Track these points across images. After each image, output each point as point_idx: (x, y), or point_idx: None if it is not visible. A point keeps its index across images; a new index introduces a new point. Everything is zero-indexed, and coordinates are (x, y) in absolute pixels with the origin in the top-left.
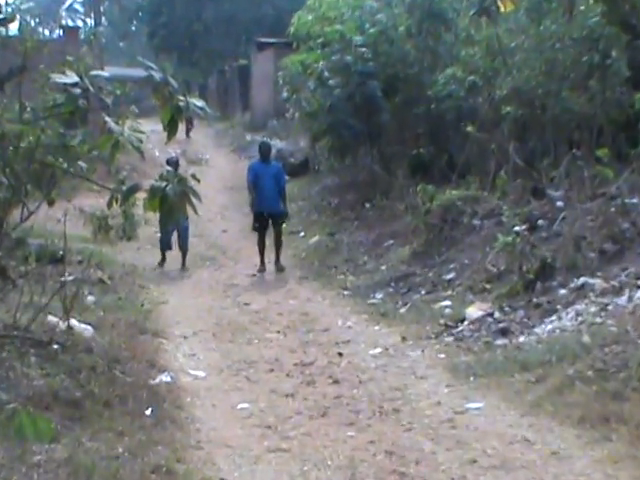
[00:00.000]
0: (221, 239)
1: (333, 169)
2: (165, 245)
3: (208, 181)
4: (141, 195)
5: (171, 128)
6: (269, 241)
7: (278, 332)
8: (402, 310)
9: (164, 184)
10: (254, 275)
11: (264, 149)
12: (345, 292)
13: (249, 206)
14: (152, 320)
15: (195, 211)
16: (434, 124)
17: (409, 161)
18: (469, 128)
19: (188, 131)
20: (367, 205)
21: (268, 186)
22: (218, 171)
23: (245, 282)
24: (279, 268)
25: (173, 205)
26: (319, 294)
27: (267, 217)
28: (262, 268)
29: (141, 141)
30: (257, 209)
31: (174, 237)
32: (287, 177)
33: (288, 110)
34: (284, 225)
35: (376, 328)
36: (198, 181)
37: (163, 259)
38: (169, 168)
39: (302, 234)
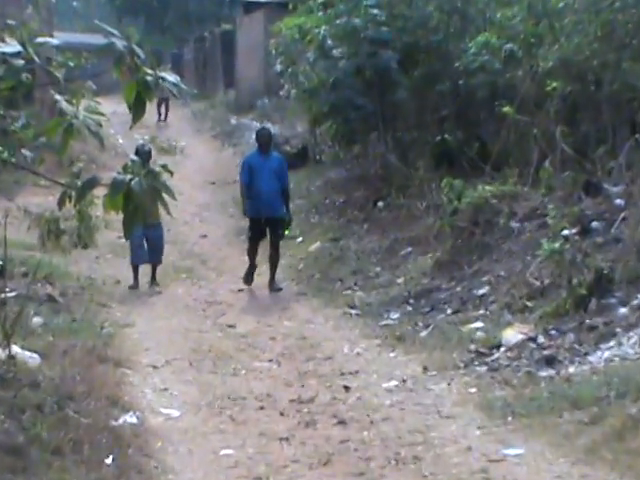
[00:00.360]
0: (200, 246)
1: (338, 160)
2: (138, 257)
3: (184, 174)
4: (100, 192)
5: (137, 109)
6: (262, 251)
7: (270, 361)
8: (423, 333)
9: (129, 177)
10: (241, 290)
11: (263, 137)
12: (352, 311)
13: (242, 212)
14: (114, 346)
15: (168, 211)
16: (462, 104)
17: (432, 150)
18: (506, 109)
19: (161, 114)
20: (380, 204)
21: (267, 184)
22: (196, 162)
23: (230, 299)
24: (274, 288)
25: (140, 204)
26: (320, 314)
27: (265, 223)
28: (250, 279)
29: (100, 125)
30: (253, 213)
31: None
32: None
33: (282, 87)
34: (287, 232)
35: (391, 355)
36: (171, 174)
37: (135, 278)
38: (137, 159)
39: (300, 240)
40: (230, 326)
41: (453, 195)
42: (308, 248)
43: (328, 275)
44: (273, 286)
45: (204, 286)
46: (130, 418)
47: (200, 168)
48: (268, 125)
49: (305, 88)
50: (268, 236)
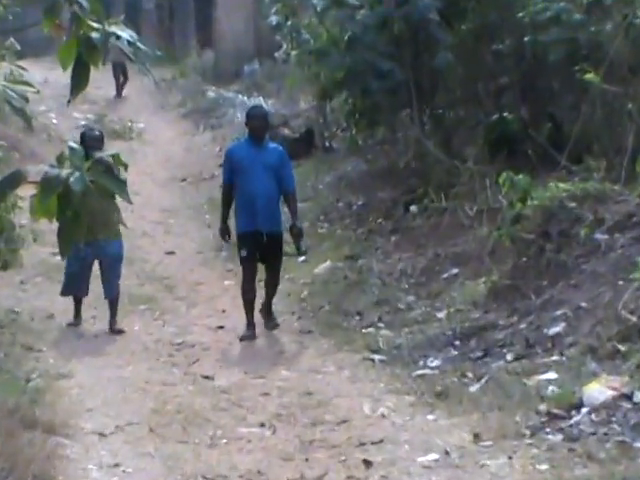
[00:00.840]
0: (165, 267)
1: (355, 147)
2: (75, 285)
3: (143, 167)
4: (27, 191)
5: (77, 77)
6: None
7: (262, 425)
8: (474, 388)
9: (65, 172)
10: (220, 327)
11: (255, 120)
12: (376, 357)
13: (220, 230)
14: (45, 406)
15: (120, 220)
16: (528, 70)
17: (485, 133)
18: (589, 76)
19: (120, 86)
20: (413, 208)
21: (262, 185)
22: (160, 150)
23: (205, 340)
24: (269, 324)
25: (81, 208)
26: (331, 360)
27: (262, 239)
28: (251, 332)
29: (26, 99)
30: (245, 226)
31: (94, 270)
32: None
33: (279, 47)
34: (300, 252)
35: (429, 418)
36: (125, 167)
37: (77, 312)
38: (78, 147)
39: (303, 258)
40: (206, 377)
41: (515, 196)
42: (314, 269)
43: (342, 306)
44: (268, 321)
45: (170, 322)
46: None
47: (165, 159)
48: (260, 102)
49: (310, 48)
50: (263, 257)
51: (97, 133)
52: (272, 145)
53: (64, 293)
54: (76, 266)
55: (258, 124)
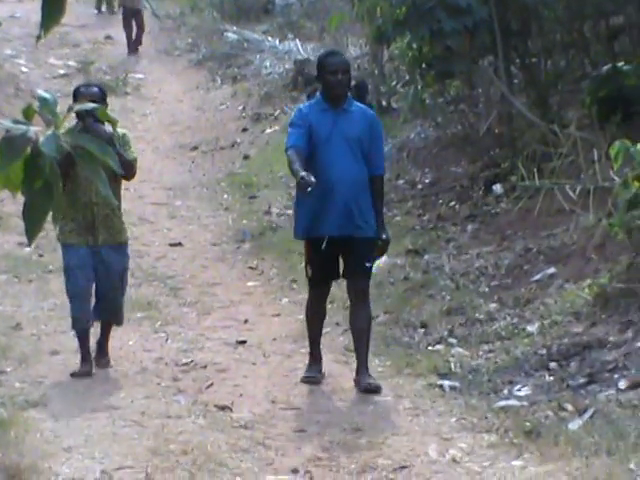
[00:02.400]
0: (169, 262)
1: (421, 107)
2: (84, 313)
3: (142, 130)
4: None
5: (50, 5)
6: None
7: (295, 472)
8: (575, 424)
9: (34, 130)
10: (241, 343)
11: (335, 71)
12: (446, 383)
13: (298, 177)
14: (9, 444)
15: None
16: None
17: (593, 90)
18: None
19: (136, 39)
20: (497, 188)
21: (343, 166)
22: (163, 109)
23: (221, 358)
24: (366, 383)
25: (53, 178)
26: (387, 386)
27: (339, 248)
28: (315, 371)
29: None
30: (313, 230)
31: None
32: None
33: None
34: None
35: (516, 464)
36: (113, 124)
37: (85, 355)
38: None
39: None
40: (222, 408)
41: (632, 173)
42: None
43: (401, 316)
44: (362, 379)
45: (176, 335)
46: None
47: (170, 121)
48: (337, 50)
49: None
50: (343, 273)
51: (95, 90)
52: (357, 107)
53: (77, 325)
54: (82, 282)
55: (337, 79)
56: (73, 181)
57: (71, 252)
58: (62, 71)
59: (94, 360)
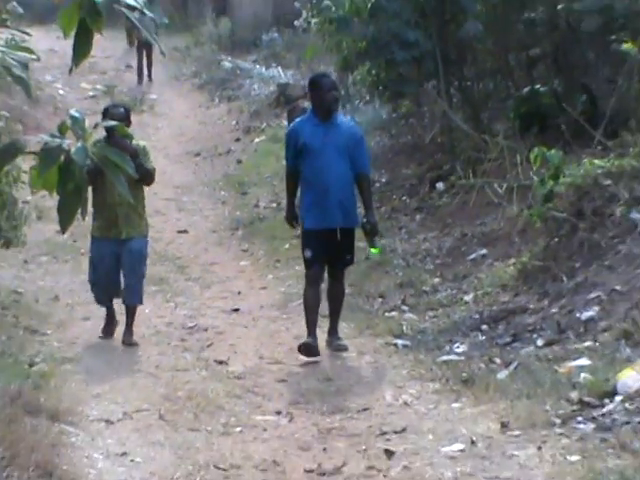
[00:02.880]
0: (177, 246)
1: (378, 121)
2: (103, 290)
3: (155, 141)
4: (29, 164)
5: (80, 44)
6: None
7: (278, 413)
8: (502, 374)
9: (67, 142)
10: (236, 310)
11: (325, 90)
12: (399, 342)
13: (286, 219)
14: (49, 392)
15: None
16: (562, 40)
17: (516, 107)
18: (627, 46)
19: (146, 69)
20: (439, 185)
21: (335, 174)
22: (172, 123)
23: (220, 324)
24: (334, 343)
25: (82, 181)
26: (352, 345)
27: (334, 237)
28: (312, 342)
29: (27, 66)
30: (312, 223)
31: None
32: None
33: (299, 15)
34: (375, 252)
35: (454, 406)
36: (129, 138)
37: (109, 323)
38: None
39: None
40: (220, 362)
41: (547, 173)
42: None
43: (363, 289)
44: (333, 340)
45: (183, 304)
46: None
47: (178, 132)
48: (326, 72)
49: (332, 16)
50: (329, 257)
51: (122, 110)
52: (343, 120)
53: (100, 303)
54: (99, 273)
55: (327, 96)
56: (101, 186)
57: (95, 245)
58: (91, 93)
59: (122, 338)
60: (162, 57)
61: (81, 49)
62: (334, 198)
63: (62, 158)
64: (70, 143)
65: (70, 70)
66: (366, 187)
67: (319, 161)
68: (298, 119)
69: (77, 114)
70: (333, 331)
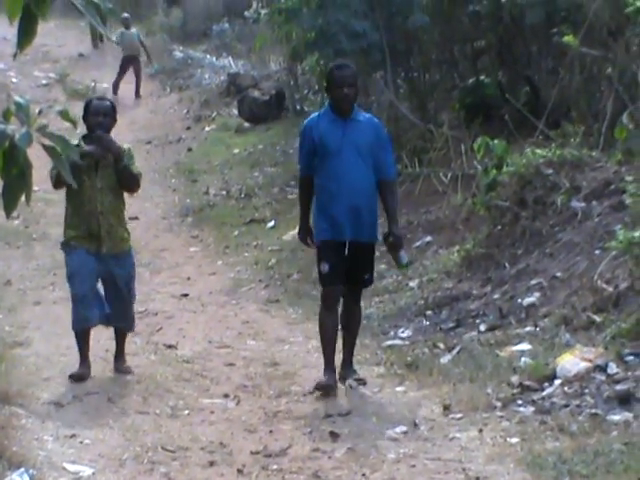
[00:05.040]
0: None
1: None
2: (86, 315)
3: None
4: None
5: (25, 29)
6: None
7: (225, 396)
8: (445, 359)
9: (11, 128)
10: (185, 295)
11: (345, 82)
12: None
13: (299, 234)
14: (0, 375)
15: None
16: (506, 32)
17: (461, 97)
18: (568, 38)
19: (135, 87)
20: None
21: (354, 177)
22: (124, 112)
23: (169, 308)
24: (349, 376)
25: (26, 167)
26: (299, 330)
27: (352, 250)
28: (330, 380)
29: None
30: (327, 233)
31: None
32: (247, 124)
33: (249, 6)
34: (405, 268)
35: (398, 390)
36: (74, 124)
37: (84, 355)
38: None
39: (271, 224)
40: (169, 346)
41: (491, 162)
42: (283, 236)
43: (311, 275)
44: (349, 373)
45: None
46: (20, 478)
47: (130, 121)
48: (345, 62)
49: (281, 7)
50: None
51: (108, 104)
52: (364, 116)
53: (76, 325)
54: (85, 286)
55: (345, 91)
56: (77, 190)
57: (74, 256)
58: (44, 81)
59: (114, 366)
60: (117, 47)
61: (26, 34)
62: (351, 205)
63: (7, 144)
64: (15, 129)
65: (14, 55)
66: (390, 195)
67: (335, 162)
68: (314, 113)
69: (22, 100)
70: (348, 363)
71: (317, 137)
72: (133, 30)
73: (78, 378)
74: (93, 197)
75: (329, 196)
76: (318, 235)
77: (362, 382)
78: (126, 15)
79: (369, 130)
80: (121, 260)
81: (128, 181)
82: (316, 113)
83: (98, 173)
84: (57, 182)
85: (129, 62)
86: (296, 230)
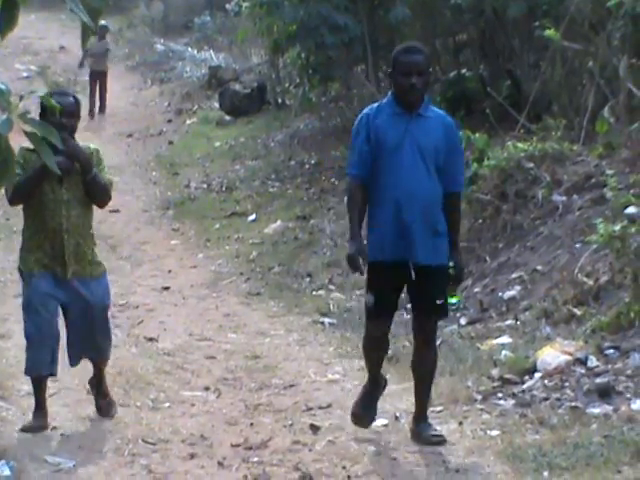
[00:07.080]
0: (109, 225)
1: (308, 104)
2: (46, 346)
3: (87, 122)
4: None
5: (5, 16)
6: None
7: (206, 389)
8: None
9: None
10: (166, 289)
11: (412, 69)
12: (326, 320)
13: (351, 256)
14: None
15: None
16: (488, 26)
17: (443, 91)
18: (549, 32)
19: (98, 100)
20: None
21: (417, 183)
22: (107, 103)
23: (150, 301)
24: (429, 437)
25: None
26: (280, 323)
27: (402, 275)
28: (370, 412)
29: None
30: (380, 253)
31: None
32: (228, 117)
33: None
34: (455, 300)
35: None
36: (60, 111)
37: (40, 404)
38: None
39: (252, 217)
40: (150, 339)
41: (472, 155)
42: (264, 229)
43: (292, 268)
44: (423, 429)
45: (114, 282)
46: (1, 470)
47: (111, 113)
48: (417, 46)
49: (263, 0)
50: (412, 305)
51: (71, 100)
52: (434, 112)
53: (30, 371)
54: (44, 327)
55: (410, 82)
56: (39, 205)
57: (33, 285)
58: (25, 74)
59: (97, 406)
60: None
61: (7, 21)
62: (412, 219)
63: None
64: None
65: None
66: (456, 213)
67: (393, 167)
68: (374, 104)
69: (2, 86)
70: (422, 417)
71: (373, 131)
72: (107, 40)
73: (34, 431)
74: (57, 212)
75: (386, 207)
76: (372, 251)
77: (441, 440)
78: (104, 23)
79: (438, 129)
80: (91, 285)
81: (96, 192)
82: (376, 103)
83: (63, 183)
84: (14, 195)
85: (95, 78)
86: (277, 223)
